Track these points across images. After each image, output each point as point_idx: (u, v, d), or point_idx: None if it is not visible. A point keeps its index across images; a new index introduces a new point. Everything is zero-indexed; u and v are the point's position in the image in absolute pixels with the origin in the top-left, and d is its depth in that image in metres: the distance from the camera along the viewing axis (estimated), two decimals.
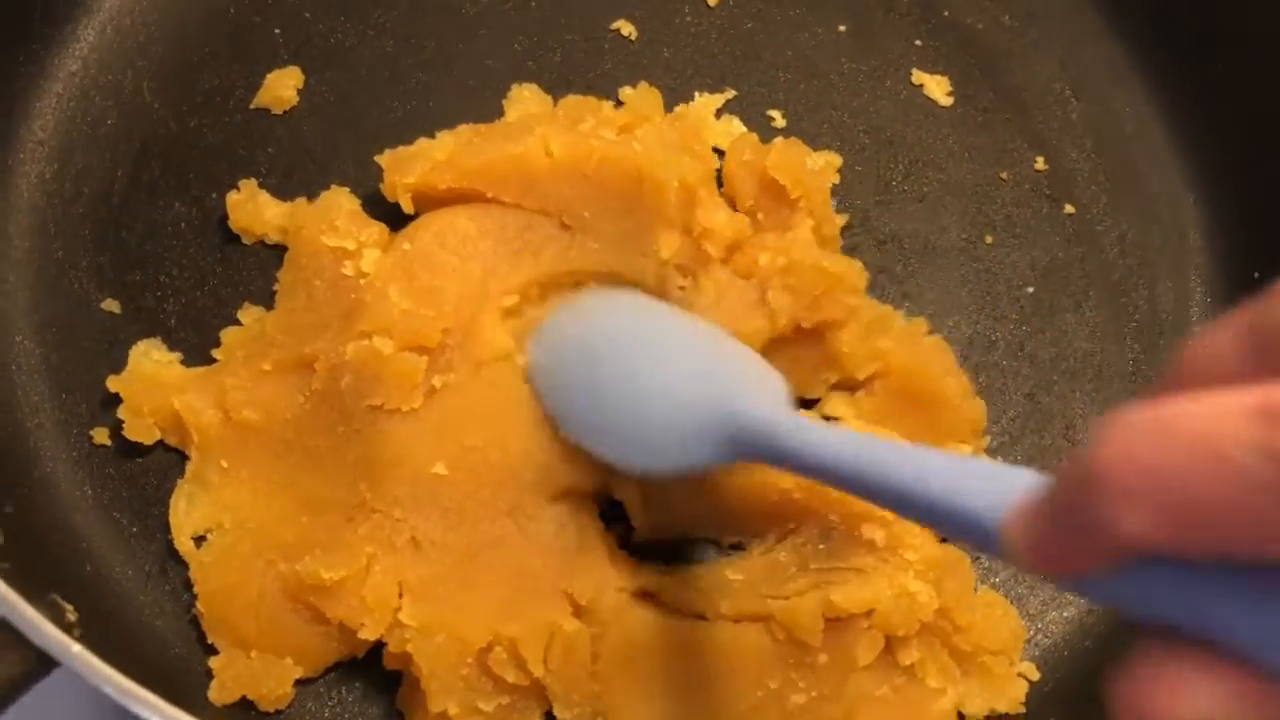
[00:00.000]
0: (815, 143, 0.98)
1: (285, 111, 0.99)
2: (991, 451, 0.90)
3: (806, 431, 0.65)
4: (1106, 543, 0.41)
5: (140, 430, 0.85)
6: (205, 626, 0.82)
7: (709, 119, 0.99)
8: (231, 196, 0.94)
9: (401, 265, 0.87)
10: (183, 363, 0.89)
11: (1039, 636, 0.86)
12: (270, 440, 0.85)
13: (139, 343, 0.90)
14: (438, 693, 0.77)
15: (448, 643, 0.76)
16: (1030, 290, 0.96)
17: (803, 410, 0.86)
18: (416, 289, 0.86)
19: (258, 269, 0.94)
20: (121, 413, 0.85)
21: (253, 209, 0.93)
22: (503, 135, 0.91)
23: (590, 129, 0.91)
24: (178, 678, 0.81)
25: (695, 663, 0.77)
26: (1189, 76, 1.01)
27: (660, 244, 0.87)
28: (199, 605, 0.82)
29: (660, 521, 0.83)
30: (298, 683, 0.81)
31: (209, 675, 0.80)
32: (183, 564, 0.84)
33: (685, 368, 0.77)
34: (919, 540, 0.78)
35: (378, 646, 0.80)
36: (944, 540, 0.80)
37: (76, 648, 0.69)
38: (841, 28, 1.05)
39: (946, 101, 1.03)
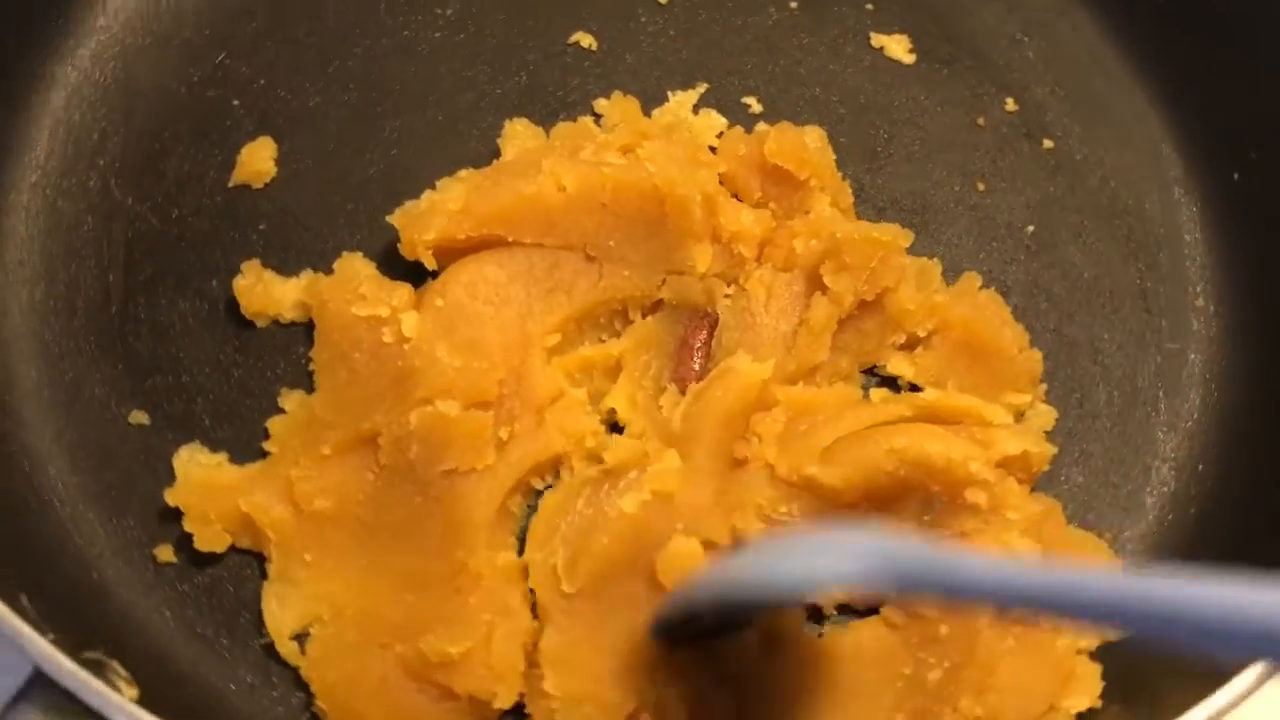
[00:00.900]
0: (795, 121, 0.98)
1: (266, 184, 0.96)
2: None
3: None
4: None
5: (210, 539, 0.83)
6: None
7: (688, 116, 1.00)
8: (238, 282, 0.91)
9: (440, 323, 0.86)
10: (231, 461, 0.87)
11: (1126, 560, 0.90)
12: (348, 524, 0.83)
13: (179, 450, 0.87)
14: None
15: (595, 711, 0.76)
16: (1031, 229, 1.00)
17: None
18: (460, 344, 0.85)
19: (279, 350, 0.91)
20: (187, 525, 0.83)
21: (262, 290, 0.91)
22: (510, 175, 0.90)
23: (592, 155, 0.91)
24: None
25: (831, 686, 0.79)
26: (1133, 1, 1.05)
27: (695, 258, 0.88)
28: (319, 703, 0.80)
29: None
30: None
31: None
32: (285, 666, 0.82)
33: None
34: (1019, 499, 0.80)
35: (508, 713, 0.80)
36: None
37: None
38: (793, 4, 1.06)
39: (909, 59, 1.05)
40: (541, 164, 0.89)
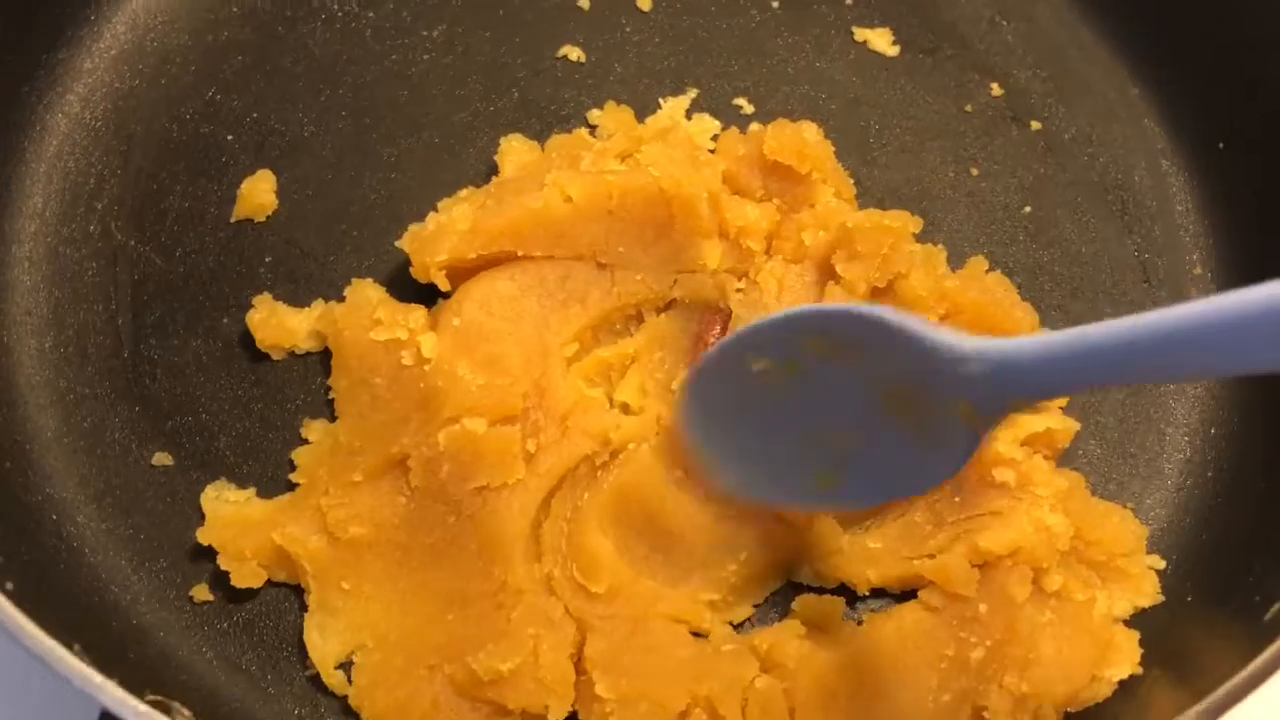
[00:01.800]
0: (787, 119, 1.00)
1: (269, 217, 0.96)
2: None
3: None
4: None
5: (247, 576, 0.83)
6: None
7: (681, 121, 1.01)
8: (251, 316, 0.91)
9: (459, 342, 0.86)
10: (259, 496, 0.87)
11: (1149, 526, 0.91)
12: (384, 549, 0.83)
13: (206, 489, 0.87)
14: None
15: (650, 710, 0.77)
16: (1027, 209, 1.01)
17: None
18: (480, 361, 0.85)
19: (297, 382, 0.91)
20: (222, 563, 0.83)
21: (276, 323, 0.91)
22: (514, 191, 0.90)
23: (592, 164, 0.91)
24: None
25: (876, 672, 0.80)
26: None
27: (704, 255, 0.89)
28: None
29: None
30: None
31: None
32: (332, 696, 0.82)
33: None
34: (1045, 475, 0.82)
35: None
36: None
37: None
38: (774, 4, 1.07)
39: (893, 51, 1.06)
40: (544, 177, 0.90)
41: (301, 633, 0.83)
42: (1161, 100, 1.05)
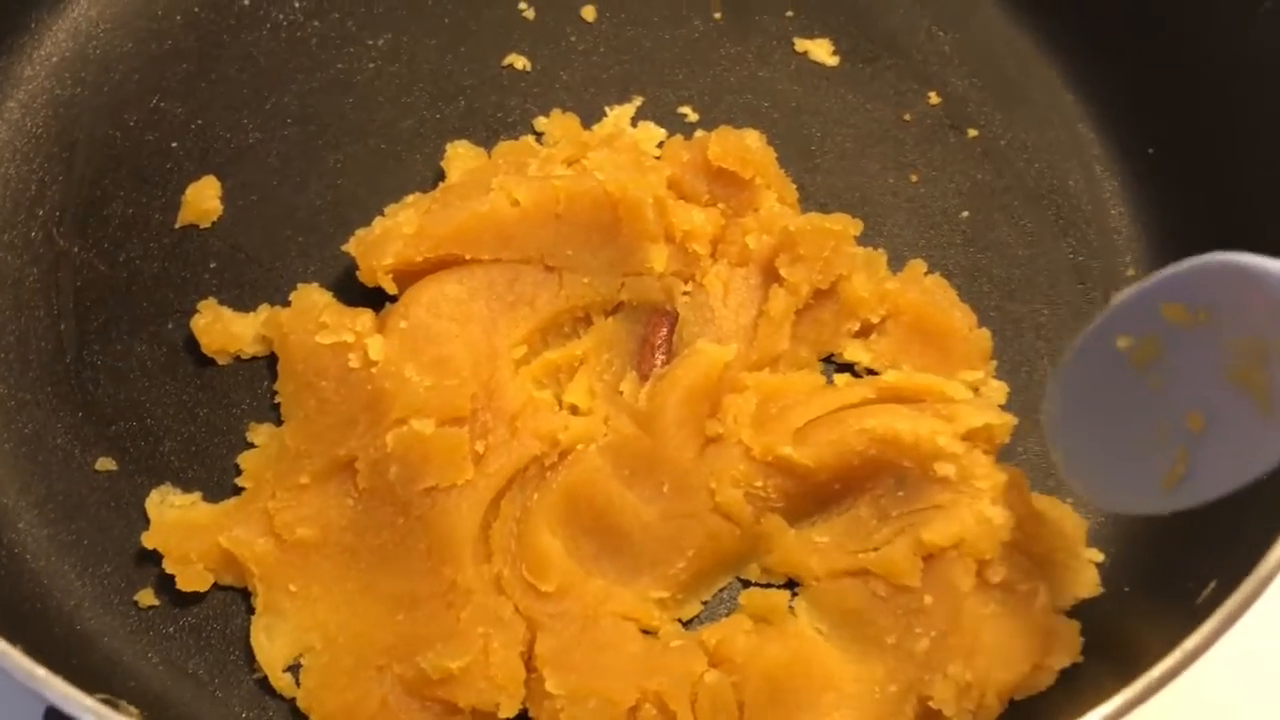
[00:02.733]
0: (732, 126, 1.01)
1: (214, 223, 0.96)
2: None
3: None
4: None
5: (193, 579, 0.82)
6: None
7: (627, 129, 1.02)
8: (196, 321, 0.90)
9: (406, 344, 0.86)
10: (205, 500, 0.86)
11: (1091, 521, 0.93)
12: (332, 551, 0.83)
13: (151, 493, 0.86)
14: None
15: (600, 707, 0.77)
16: (965, 214, 1.03)
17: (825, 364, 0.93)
18: (428, 363, 0.86)
19: (242, 386, 0.91)
20: (168, 566, 0.82)
21: (221, 328, 0.90)
22: (461, 196, 0.91)
23: (539, 170, 0.92)
24: None
25: (823, 664, 0.81)
26: None
27: (651, 259, 0.90)
28: None
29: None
30: None
31: None
32: (281, 698, 0.81)
33: None
34: (986, 469, 0.83)
35: None
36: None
37: None
38: (717, 15, 1.09)
39: (833, 61, 1.08)
40: (491, 181, 0.90)
41: (249, 636, 0.82)
42: (1094, 107, 1.08)
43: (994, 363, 0.94)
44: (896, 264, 0.97)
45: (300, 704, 0.80)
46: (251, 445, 0.88)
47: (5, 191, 0.95)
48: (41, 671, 0.65)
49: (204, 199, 0.95)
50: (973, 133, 1.07)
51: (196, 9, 1.03)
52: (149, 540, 0.83)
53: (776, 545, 0.84)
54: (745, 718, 0.79)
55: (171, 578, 0.82)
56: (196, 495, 0.86)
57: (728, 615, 0.85)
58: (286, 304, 0.90)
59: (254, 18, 1.03)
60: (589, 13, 1.07)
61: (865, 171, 1.04)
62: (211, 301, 0.91)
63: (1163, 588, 0.82)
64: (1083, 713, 0.74)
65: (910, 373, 0.89)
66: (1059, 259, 1.03)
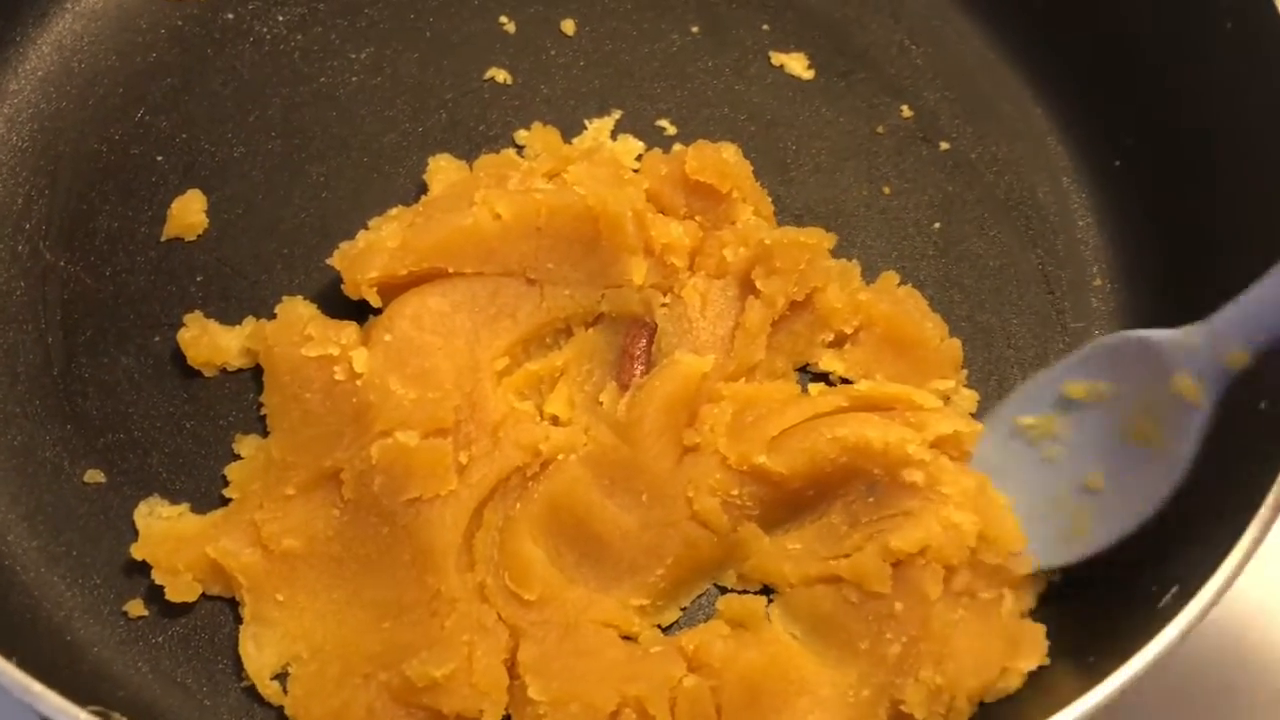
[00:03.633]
0: (708, 140, 1.03)
1: (199, 236, 0.97)
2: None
3: None
4: None
5: (181, 590, 0.84)
6: None
7: (607, 142, 1.04)
8: (182, 334, 0.92)
9: (390, 357, 0.88)
10: (194, 511, 0.88)
11: None
12: (318, 561, 0.85)
13: (139, 505, 0.87)
14: None
15: (581, 711, 0.79)
16: (937, 226, 1.05)
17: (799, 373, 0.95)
18: (412, 376, 0.87)
19: (229, 398, 0.93)
20: (157, 577, 0.84)
21: (208, 341, 0.92)
22: (444, 209, 0.92)
23: (520, 183, 0.94)
24: None
25: (799, 669, 0.83)
26: (1012, 4, 1.12)
27: (630, 271, 0.91)
28: None
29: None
30: None
31: None
32: (269, 706, 0.83)
33: None
34: (953, 475, 0.86)
35: None
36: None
37: None
38: (694, 29, 1.11)
39: (808, 75, 1.10)
40: (474, 195, 0.92)
41: (236, 645, 0.84)
42: (1063, 121, 1.11)
43: (965, 372, 0.96)
44: (870, 275, 0.99)
45: (288, 711, 0.82)
46: (238, 456, 0.89)
47: None
48: (37, 687, 0.67)
49: (189, 213, 0.97)
50: (944, 145, 1.09)
51: (180, 23, 1.05)
52: (138, 551, 0.84)
53: (752, 552, 0.86)
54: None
55: (160, 588, 0.84)
56: (184, 506, 0.88)
57: (706, 621, 0.87)
58: (272, 316, 0.91)
59: (238, 31, 1.05)
60: (569, 26, 1.09)
61: (839, 184, 1.06)
62: (197, 314, 0.93)
63: (1126, 591, 0.85)
64: (1051, 714, 0.76)
65: (883, 382, 0.91)
66: (1028, 269, 1.05)
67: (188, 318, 0.92)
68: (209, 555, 0.84)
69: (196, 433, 0.91)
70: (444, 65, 1.06)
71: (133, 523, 0.87)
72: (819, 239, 0.93)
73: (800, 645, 0.85)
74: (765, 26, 1.12)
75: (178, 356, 0.92)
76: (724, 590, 0.89)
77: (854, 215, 1.05)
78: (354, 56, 1.06)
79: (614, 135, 1.05)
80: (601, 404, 0.89)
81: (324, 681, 0.82)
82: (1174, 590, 0.80)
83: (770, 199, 1.02)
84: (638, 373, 0.91)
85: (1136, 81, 1.06)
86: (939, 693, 0.81)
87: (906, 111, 1.10)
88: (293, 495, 0.85)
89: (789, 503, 0.87)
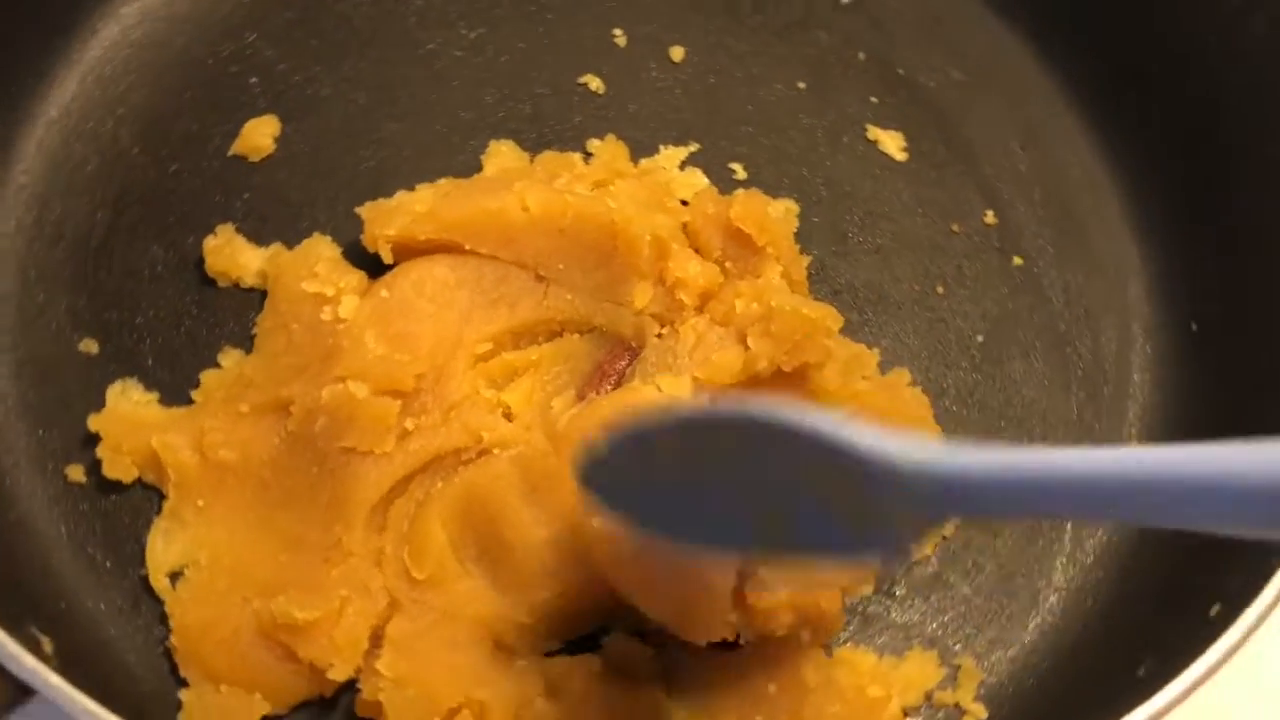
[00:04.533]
0: (774, 194, 1.01)
1: (262, 159, 1.02)
2: None
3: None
4: None
5: (118, 468, 0.87)
6: (178, 660, 0.84)
7: (673, 171, 1.03)
8: (209, 241, 0.96)
9: (379, 312, 0.90)
10: (160, 402, 0.92)
11: (988, 677, 0.90)
12: (247, 480, 0.87)
13: (116, 382, 0.92)
14: None
15: (419, 698, 0.79)
16: (980, 339, 1.00)
17: None
18: (392, 335, 0.89)
19: (233, 312, 0.96)
20: (100, 451, 0.88)
21: (229, 253, 0.96)
22: (481, 189, 0.94)
23: (565, 185, 0.95)
24: (149, 709, 0.83)
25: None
26: (1135, 132, 1.06)
27: (635, 294, 0.91)
28: (173, 639, 0.84)
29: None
30: (265, 719, 0.83)
31: (179, 708, 0.82)
32: (156, 599, 0.86)
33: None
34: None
35: (346, 688, 0.82)
36: None
37: (54, 678, 0.72)
38: (801, 84, 1.09)
39: (901, 156, 1.07)
40: (513, 184, 0.93)
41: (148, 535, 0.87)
42: (1154, 268, 1.04)
43: None
44: (888, 368, 0.95)
45: (167, 608, 0.85)
46: (219, 365, 0.93)
47: (97, 85, 1.03)
48: None
49: (260, 135, 1.01)
50: (1018, 260, 1.04)
51: None
52: (94, 422, 0.89)
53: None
54: None
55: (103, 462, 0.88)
56: (154, 396, 0.92)
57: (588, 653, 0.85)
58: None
59: None
60: (677, 53, 1.09)
61: (893, 271, 1.02)
62: (229, 226, 0.97)
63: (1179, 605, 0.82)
64: None
65: None
66: (1062, 410, 0.99)
67: (220, 228, 0.97)
68: (152, 445, 0.87)
69: (192, 333, 0.95)
70: (545, 61, 1.08)
71: (105, 396, 0.92)
72: (823, 316, 0.89)
73: (671, 704, 0.82)
74: (873, 99, 1.09)
75: (202, 262, 0.97)
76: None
77: (897, 306, 1.01)
78: (464, 33, 1.08)
79: (683, 166, 1.04)
80: (552, 409, 0.89)
81: (209, 592, 0.84)
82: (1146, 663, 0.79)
83: (815, 267, 0.99)
84: (604, 390, 0.90)
85: (1241, 247, 0.99)
86: None
87: (990, 217, 1.05)
88: (245, 413, 0.88)
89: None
